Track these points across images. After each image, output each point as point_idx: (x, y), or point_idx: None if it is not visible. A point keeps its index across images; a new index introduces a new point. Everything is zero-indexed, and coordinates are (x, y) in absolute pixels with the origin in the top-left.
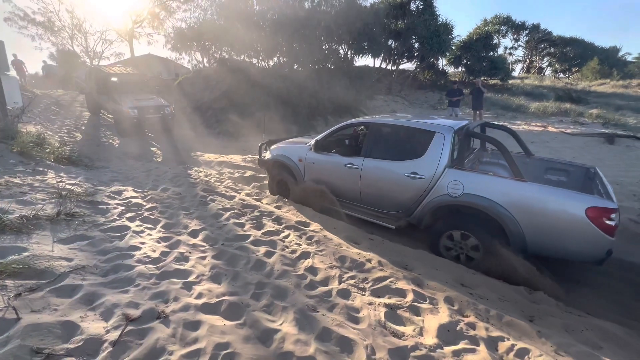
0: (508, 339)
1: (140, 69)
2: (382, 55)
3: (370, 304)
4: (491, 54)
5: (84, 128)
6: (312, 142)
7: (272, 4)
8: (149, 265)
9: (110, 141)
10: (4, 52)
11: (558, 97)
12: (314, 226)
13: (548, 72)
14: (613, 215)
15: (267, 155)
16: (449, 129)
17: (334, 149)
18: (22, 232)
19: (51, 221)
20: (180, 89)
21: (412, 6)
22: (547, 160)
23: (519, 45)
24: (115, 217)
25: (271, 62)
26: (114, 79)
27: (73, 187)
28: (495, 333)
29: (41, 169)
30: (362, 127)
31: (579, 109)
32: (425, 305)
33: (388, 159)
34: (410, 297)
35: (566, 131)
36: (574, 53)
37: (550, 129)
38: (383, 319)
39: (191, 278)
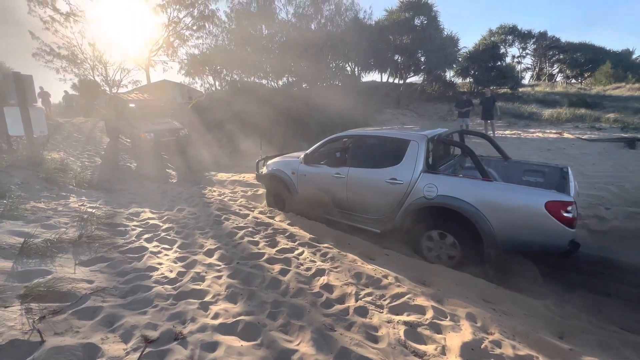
0: (538, 358)
1: (156, 95)
2: (389, 70)
3: (389, 322)
4: (499, 63)
5: (103, 153)
6: (302, 155)
7: (280, 28)
8: (166, 286)
9: (128, 164)
10: (32, 85)
11: (572, 103)
12: (328, 242)
13: (559, 78)
14: (569, 208)
15: (264, 170)
16: (422, 137)
17: (323, 161)
18: (46, 256)
19: (73, 244)
20: (194, 111)
21: (417, 21)
22: (524, 163)
23: (527, 54)
24: (133, 238)
25: (280, 82)
26: (131, 105)
27: (94, 210)
28: (524, 351)
29: (64, 194)
30: (347, 139)
31: (595, 114)
32: (446, 323)
33: (370, 167)
34: (430, 314)
35: (583, 137)
36: (584, 58)
37: (566, 135)
38: (403, 337)
39: (207, 298)
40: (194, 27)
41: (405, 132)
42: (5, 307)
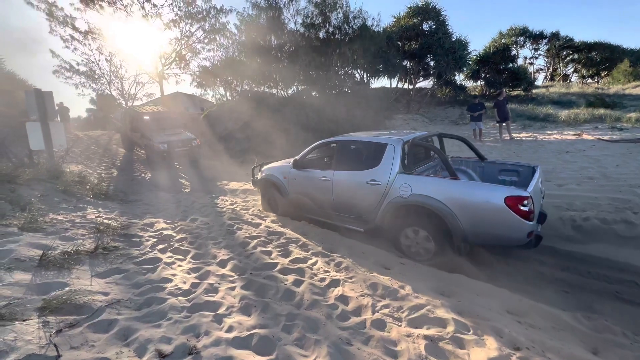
0: None
1: (169, 107)
2: (398, 75)
3: (408, 336)
4: (510, 65)
5: (119, 164)
6: (292, 161)
7: (289, 37)
8: (180, 298)
9: (143, 175)
10: (52, 101)
11: (589, 103)
12: (341, 252)
13: (574, 78)
14: (525, 202)
15: (259, 176)
16: (398, 140)
17: (310, 165)
18: (63, 268)
19: (90, 256)
20: (206, 121)
21: (425, 27)
22: (499, 163)
23: (540, 55)
24: (147, 249)
25: (290, 91)
26: (145, 117)
27: (109, 222)
28: None
29: (81, 205)
30: (333, 144)
31: (615, 114)
32: (469, 337)
33: (353, 170)
34: (451, 327)
35: (604, 138)
36: (600, 57)
37: (586, 136)
38: (424, 352)
39: (221, 310)
40: (205, 40)
41: (383, 137)
42: (24, 321)
